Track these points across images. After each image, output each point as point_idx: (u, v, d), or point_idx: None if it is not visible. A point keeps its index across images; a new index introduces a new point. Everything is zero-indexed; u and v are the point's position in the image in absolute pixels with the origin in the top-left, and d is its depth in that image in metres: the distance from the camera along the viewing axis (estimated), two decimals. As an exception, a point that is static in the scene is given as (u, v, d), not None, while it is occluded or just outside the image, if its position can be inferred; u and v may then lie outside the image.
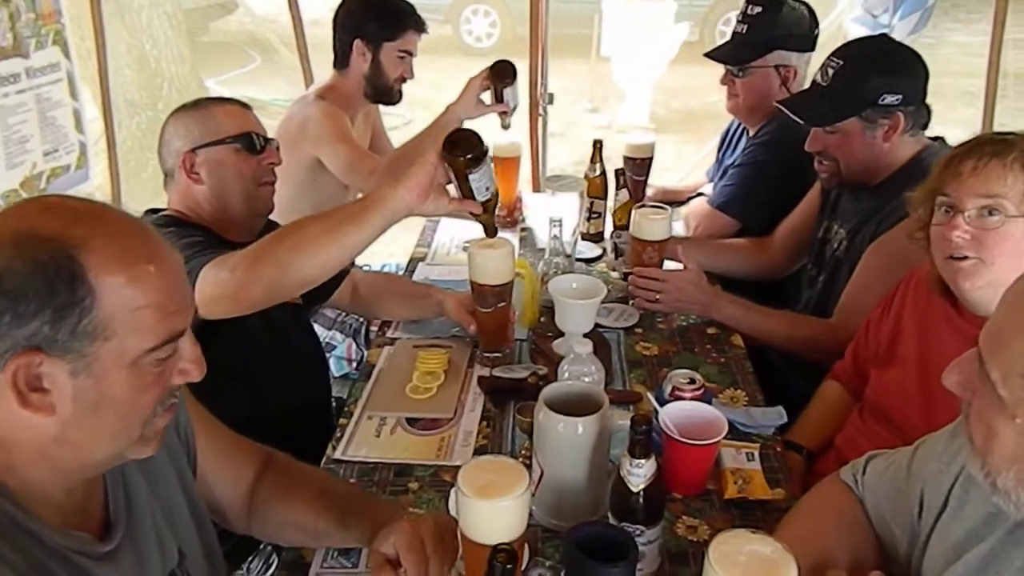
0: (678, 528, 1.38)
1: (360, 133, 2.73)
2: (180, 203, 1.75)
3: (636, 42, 6.72)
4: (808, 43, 2.43)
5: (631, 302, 2.08)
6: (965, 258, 1.41)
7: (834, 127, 1.92)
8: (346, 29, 2.59)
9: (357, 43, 2.56)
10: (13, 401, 0.86)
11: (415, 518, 1.14)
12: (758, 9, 2.40)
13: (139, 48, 5.39)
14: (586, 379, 1.54)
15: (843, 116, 1.89)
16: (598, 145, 2.45)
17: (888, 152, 1.90)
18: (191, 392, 1.18)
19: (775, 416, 1.66)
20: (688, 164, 5.40)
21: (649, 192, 2.66)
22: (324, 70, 2.74)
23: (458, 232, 2.55)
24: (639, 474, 1.21)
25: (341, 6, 2.62)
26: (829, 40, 2.49)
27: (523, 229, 2.62)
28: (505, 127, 2.47)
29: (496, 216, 1.64)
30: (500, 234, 1.71)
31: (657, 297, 2.01)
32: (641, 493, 1.21)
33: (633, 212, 2.11)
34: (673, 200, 2.64)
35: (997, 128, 3.11)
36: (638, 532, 1.21)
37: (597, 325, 1.86)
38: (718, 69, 2.51)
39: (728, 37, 2.54)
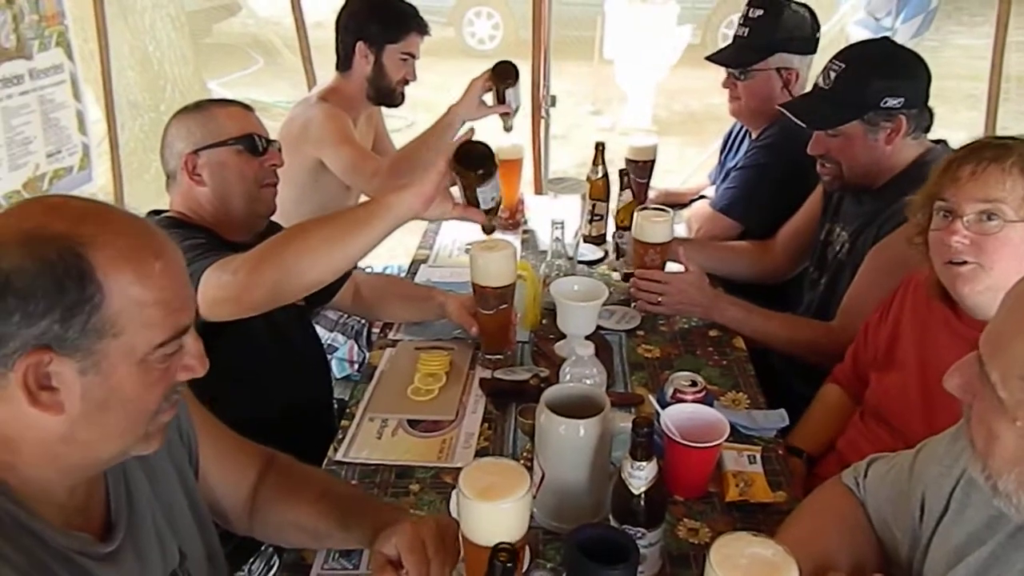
0: (679, 531, 1.38)
1: (362, 135, 2.73)
2: (182, 205, 1.75)
3: (639, 45, 6.73)
4: (810, 46, 2.43)
5: (633, 304, 2.08)
6: (964, 263, 1.41)
7: (836, 130, 1.92)
8: (349, 31, 2.59)
9: (360, 45, 2.57)
10: (23, 400, 0.86)
11: (417, 519, 1.14)
12: (759, 12, 2.40)
13: (142, 50, 5.40)
14: (588, 381, 1.54)
15: (845, 119, 1.89)
16: (600, 147, 2.45)
17: (890, 155, 1.90)
18: (194, 394, 1.18)
19: (777, 419, 1.66)
20: (690, 166, 5.41)
21: (651, 195, 2.67)
22: (327, 72, 2.74)
23: (460, 234, 2.55)
24: (640, 476, 1.21)
25: (344, 8, 2.63)
26: (831, 43, 2.50)
27: (525, 231, 2.63)
28: (507, 129, 2.47)
29: (498, 218, 1.65)
30: (502, 236, 1.72)
31: (659, 299, 2.01)
32: (642, 495, 1.21)
33: (635, 214, 2.11)
34: (675, 203, 2.64)
35: (1000, 131, 3.11)
36: (639, 534, 1.21)
37: (599, 327, 1.86)
38: (720, 72, 2.51)
39: (730, 40, 2.54)
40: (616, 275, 2.30)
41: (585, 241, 2.46)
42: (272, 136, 1.82)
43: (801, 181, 2.22)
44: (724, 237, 2.42)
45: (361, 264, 2.71)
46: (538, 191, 3.49)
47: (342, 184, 2.60)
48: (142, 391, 0.92)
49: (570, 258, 2.19)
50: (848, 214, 2.04)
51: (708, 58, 2.51)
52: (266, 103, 6.53)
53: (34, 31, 2.80)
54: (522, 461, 1.44)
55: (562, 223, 2.16)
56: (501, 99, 2.38)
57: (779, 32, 2.38)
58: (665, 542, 1.29)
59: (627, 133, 5.79)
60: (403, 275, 2.46)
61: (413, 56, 2.62)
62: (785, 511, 1.35)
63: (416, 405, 1.72)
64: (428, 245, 2.56)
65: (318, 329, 2.33)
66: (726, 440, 1.43)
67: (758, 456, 1.52)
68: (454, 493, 1.28)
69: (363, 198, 2.69)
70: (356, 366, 2.65)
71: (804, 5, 2.43)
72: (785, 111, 2.01)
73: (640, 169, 2.59)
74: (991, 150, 1.38)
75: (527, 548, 1.24)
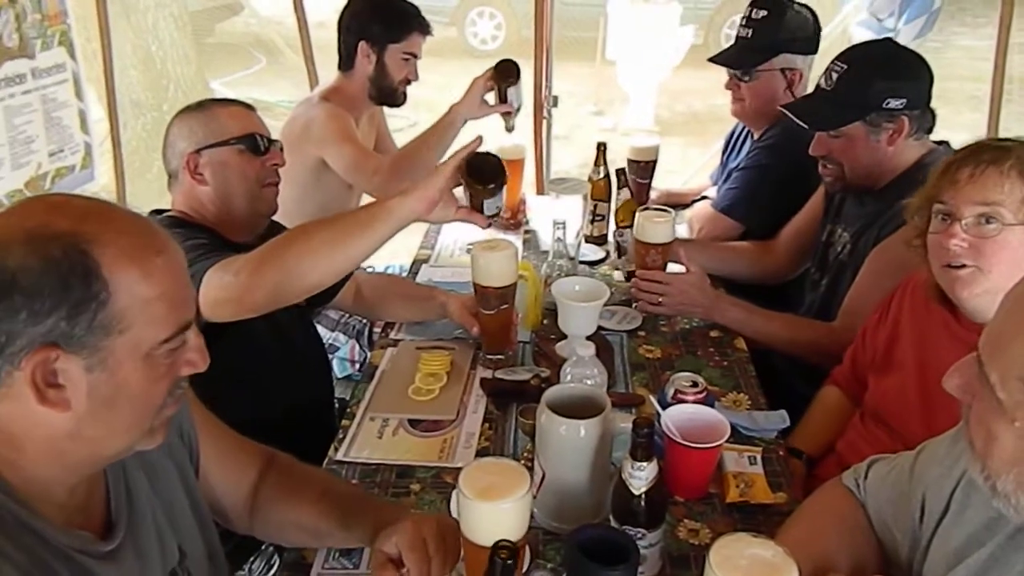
0: (680, 531, 1.38)
1: (364, 135, 2.73)
2: (184, 204, 1.76)
3: (641, 45, 6.73)
4: (812, 46, 2.43)
5: (634, 305, 2.08)
6: (963, 266, 1.40)
7: (838, 131, 1.91)
8: (351, 31, 2.59)
9: (362, 45, 2.57)
10: (31, 398, 0.87)
11: (417, 517, 1.14)
12: (763, 13, 2.40)
13: (145, 49, 5.41)
14: (588, 382, 1.54)
15: (847, 120, 1.89)
16: (602, 148, 2.45)
17: (892, 156, 1.89)
18: (195, 394, 1.19)
19: (778, 420, 1.66)
20: (692, 167, 5.40)
21: (653, 195, 2.67)
22: (329, 72, 2.74)
23: (462, 234, 2.55)
24: (641, 477, 1.21)
25: (346, 8, 2.63)
26: (834, 44, 2.51)
27: (527, 231, 2.63)
28: (509, 129, 2.47)
29: (499, 218, 1.65)
30: (504, 236, 1.71)
31: (660, 300, 2.01)
32: (643, 496, 1.21)
33: (637, 215, 2.11)
34: (677, 203, 2.65)
35: (1003, 133, 3.11)
36: (640, 535, 1.21)
37: (600, 328, 1.86)
38: (722, 72, 2.51)
39: (732, 41, 2.53)
40: (617, 274, 2.30)
41: (587, 241, 2.46)
42: (274, 136, 1.83)
43: (803, 182, 2.22)
44: (726, 238, 2.42)
45: (363, 264, 2.71)
46: (540, 191, 3.49)
47: (344, 183, 2.60)
48: (147, 386, 0.93)
49: (571, 258, 2.19)
50: (850, 215, 2.04)
51: (711, 60, 2.51)
52: (268, 103, 6.53)
53: (37, 30, 2.80)
54: (523, 461, 1.44)
55: (563, 223, 2.16)
56: (503, 98, 2.38)
57: (783, 32, 2.38)
58: (665, 543, 1.29)
59: (629, 134, 5.78)
60: (405, 275, 2.47)
61: (415, 56, 2.62)
62: (785, 512, 1.35)
63: (417, 405, 1.72)
64: (430, 245, 2.57)
65: (319, 329, 2.33)
66: (727, 441, 1.43)
67: (759, 457, 1.52)
68: (454, 493, 1.28)
69: (365, 198, 2.70)
70: (357, 366, 2.65)
71: (805, 5, 2.43)
72: (787, 112, 2.01)
73: (642, 169, 2.59)
74: (989, 153, 1.37)
75: (527, 548, 1.24)
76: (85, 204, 0.92)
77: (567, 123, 6.41)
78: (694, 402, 1.50)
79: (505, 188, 1.59)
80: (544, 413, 1.34)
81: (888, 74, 1.86)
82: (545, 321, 2.00)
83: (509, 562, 0.95)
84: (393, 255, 3.45)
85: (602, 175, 2.41)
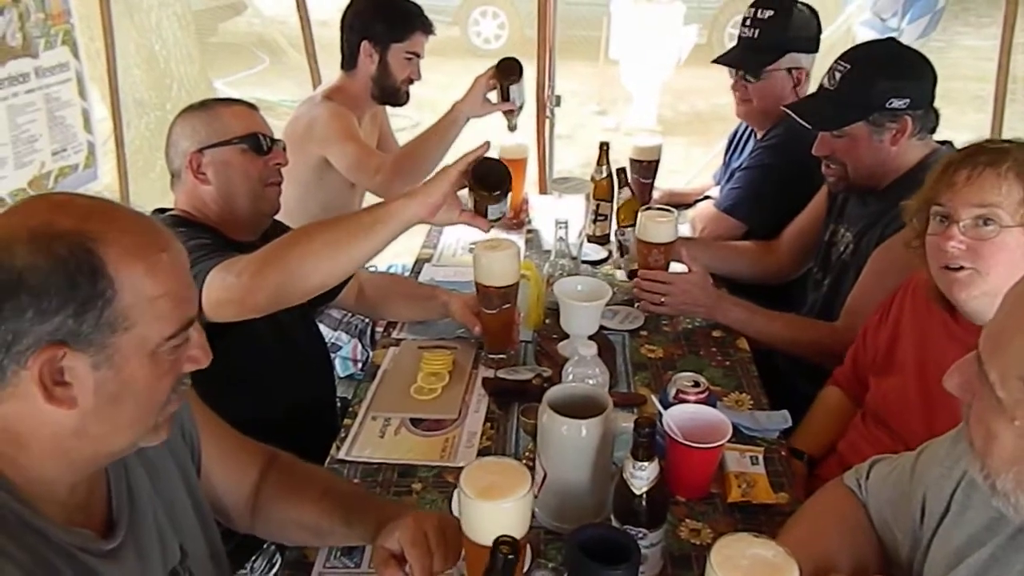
0: (681, 531, 1.38)
1: (367, 134, 2.73)
2: (187, 203, 1.76)
3: (644, 45, 6.72)
4: (815, 44, 2.43)
5: (636, 304, 2.08)
6: (960, 268, 1.40)
7: (841, 131, 1.91)
8: (354, 30, 2.60)
9: (364, 44, 2.57)
10: (38, 396, 0.87)
11: (419, 514, 1.14)
12: (769, 13, 2.39)
13: (148, 48, 5.41)
14: (590, 381, 1.54)
15: (850, 120, 1.88)
16: (605, 147, 2.44)
17: (895, 156, 1.89)
18: (196, 393, 1.19)
19: (780, 420, 1.66)
20: (695, 167, 5.40)
21: (655, 195, 2.67)
22: (332, 71, 2.75)
23: (464, 234, 2.55)
24: (642, 477, 1.21)
25: (349, 7, 2.63)
26: (837, 44, 2.50)
27: (529, 231, 2.63)
28: (512, 128, 2.47)
29: (501, 218, 1.65)
30: (506, 236, 1.71)
31: (662, 300, 2.01)
32: (644, 496, 1.21)
33: (639, 215, 2.11)
34: (680, 203, 2.64)
35: (1007, 133, 3.11)
36: (641, 535, 1.21)
37: (602, 327, 1.86)
38: (725, 72, 2.50)
39: (736, 41, 2.52)
40: (620, 274, 2.30)
41: (589, 241, 2.45)
42: (277, 135, 1.83)
43: (806, 182, 2.22)
44: (728, 237, 2.41)
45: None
46: (542, 191, 3.49)
47: (346, 183, 2.60)
48: (153, 383, 0.93)
49: (574, 258, 2.18)
50: (852, 215, 2.04)
51: (716, 61, 2.50)
52: (271, 102, 6.54)
53: (40, 29, 2.80)
54: (524, 461, 1.44)
55: (566, 223, 2.16)
56: (505, 96, 2.37)
57: (789, 32, 2.37)
58: (667, 542, 1.29)
59: (631, 133, 5.78)
60: (407, 274, 2.47)
61: (418, 55, 2.62)
62: (787, 512, 1.35)
63: (419, 404, 1.72)
64: (432, 244, 2.57)
65: (322, 328, 2.33)
66: (729, 441, 1.43)
67: (760, 457, 1.52)
68: (456, 492, 1.28)
69: (368, 197, 2.70)
70: (359, 365, 2.65)
71: (806, 4, 2.42)
72: (790, 112, 2.01)
73: (644, 169, 2.59)
74: (987, 154, 1.37)
75: (528, 548, 1.24)
76: (88, 203, 0.93)
77: (570, 122, 6.40)
78: (696, 402, 1.50)
79: (509, 193, 1.59)
80: (546, 413, 1.34)
81: (891, 74, 1.85)
82: (547, 321, 2.00)
83: (511, 557, 0.95)
84: (395, 254, 3.45)
85: (605, 175, 2.41)
